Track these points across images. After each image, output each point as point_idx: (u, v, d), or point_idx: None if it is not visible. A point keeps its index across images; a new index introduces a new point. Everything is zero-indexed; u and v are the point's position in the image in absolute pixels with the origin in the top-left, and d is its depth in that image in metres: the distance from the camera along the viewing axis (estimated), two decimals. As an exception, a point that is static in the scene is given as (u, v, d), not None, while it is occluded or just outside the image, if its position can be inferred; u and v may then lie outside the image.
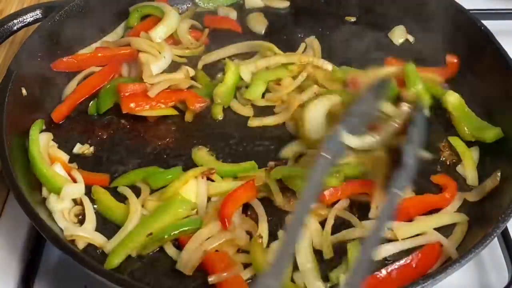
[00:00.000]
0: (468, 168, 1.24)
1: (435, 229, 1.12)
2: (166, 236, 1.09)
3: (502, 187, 1.17)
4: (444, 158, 1.27)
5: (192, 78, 1.42)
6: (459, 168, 1.25)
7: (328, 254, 1.09)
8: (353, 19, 1.61)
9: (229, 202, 1.12)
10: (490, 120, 1.30)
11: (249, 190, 1.16)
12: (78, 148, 1.28)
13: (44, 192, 1.17)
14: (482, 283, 1.14)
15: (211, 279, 1.02)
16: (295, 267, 1.06)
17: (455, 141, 1.29)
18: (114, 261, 1.07)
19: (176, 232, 1.10)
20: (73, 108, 1.36)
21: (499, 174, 1.19)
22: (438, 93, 1.36)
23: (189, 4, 1.65)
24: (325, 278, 1.06)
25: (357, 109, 1.13)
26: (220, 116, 1.36)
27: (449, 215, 1.16)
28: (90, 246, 1.11)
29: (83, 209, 1.16)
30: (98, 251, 1.11)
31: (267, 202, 1.17)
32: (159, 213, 1.13)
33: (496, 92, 1.30)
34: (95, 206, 1.17)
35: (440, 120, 1.34)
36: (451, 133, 1.31)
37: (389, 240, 1.11)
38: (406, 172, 1.04)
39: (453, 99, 1.33)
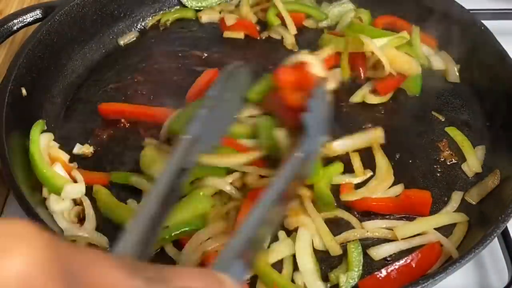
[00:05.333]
0: (469, 156, 1.25)
1: (435, 229, 1.12)
2: (167, 237, 1.09)
3: (502, 187, 1.17)
4: (444, 158, 1.27)
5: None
6: (464, 166, 1.25)
7: (336, 251, 1.09)
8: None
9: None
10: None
11: None
12: (78, 148, 1.28)
13: (44, 192, 1.17)
14: (482, 283, 1.14)
15: (211, 279, 1.02)
16: (295, 267, 1.06)
17: (452, 131, 1.30)
18: None
19: (177, 232, 1.09)
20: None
21: (499, 173, 1.19)
22: None
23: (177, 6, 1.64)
24: (325, 278, 1.06)
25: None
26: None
27: (449, 215, 1.16)
28: (90, 246, 1.11)
29: (83, 209, 1.16)
30: (98, 251, 1.11)
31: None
32: (178, 207, 1.12)
33: (497, 92, 1.31)
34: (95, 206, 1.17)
35: (439, 120, 1.35)
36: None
37: (389, 240, 1.11)
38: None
39: None
